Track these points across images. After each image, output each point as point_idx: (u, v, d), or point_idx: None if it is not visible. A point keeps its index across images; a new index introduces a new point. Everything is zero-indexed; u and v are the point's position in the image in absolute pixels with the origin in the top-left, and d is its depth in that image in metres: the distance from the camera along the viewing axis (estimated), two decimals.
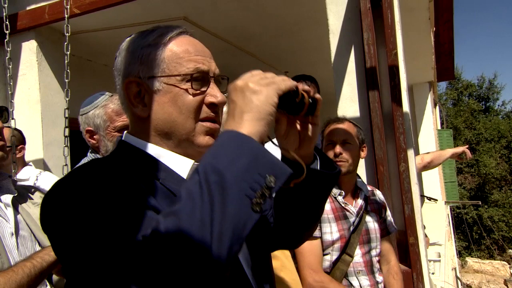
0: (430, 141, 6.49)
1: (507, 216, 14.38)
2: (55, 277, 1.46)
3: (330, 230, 1.71)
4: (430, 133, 6.52)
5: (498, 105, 18.07)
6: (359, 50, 2.17)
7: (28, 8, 2.90)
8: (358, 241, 1.74)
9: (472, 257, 12.56)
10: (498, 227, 14.13)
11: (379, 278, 1.77)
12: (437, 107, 8.65)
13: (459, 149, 3.25)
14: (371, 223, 1.81)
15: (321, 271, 1.65)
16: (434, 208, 6.12)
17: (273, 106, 0.72)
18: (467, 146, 3.36)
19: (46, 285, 1.41)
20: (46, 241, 1.41)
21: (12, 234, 1.36)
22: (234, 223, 0.60)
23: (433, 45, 4.84)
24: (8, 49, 2.34)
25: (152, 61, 0.82)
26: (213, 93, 0.83)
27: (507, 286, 9.90)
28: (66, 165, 2.17)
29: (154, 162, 0.81)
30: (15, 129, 2.19)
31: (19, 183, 1.71)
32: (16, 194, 1.45)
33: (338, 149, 1.76)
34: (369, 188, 1.92)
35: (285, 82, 0.75)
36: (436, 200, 6.19)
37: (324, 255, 1.70)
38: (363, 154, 1.86)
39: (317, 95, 0.86)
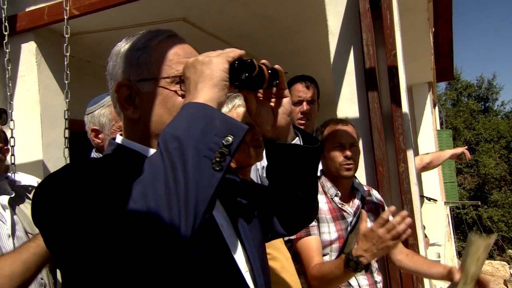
0: (430, 141, 6.48)
1: (506, 217, 14.38)
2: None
3: (328, 230, 1.72)
4: (430, 133, 6.52)
5: (498, 106, 18.11)
6: (358, 50, 2.17)
7: (27, 10, 2.89)
8: (356, 241, 1.74)
9: None
10: (497, 227, 14.13)
11: (378, 277, 1.78)
12: (437, 107, 8.65)
13: (459, 149, 3.25)
14: (369, 223, 1.82)
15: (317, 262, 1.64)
16: (433, 209, 6.11)
17: (224, 72, 0.75)
18: (466, 147, 3.36)
19: (42, 278, 1.40)
20: None
21: (9, 236, 1.36)
22: (197, 183, 0.63)
23: (432, 46, 4.84)
24: (7, 50, 2.33)
25: (142, 64, 0.84)
26: None
27: (506, 286, 9.90)
28: None
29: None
30: None
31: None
32: (13, 195, 1.44)
33: (349, 152, 1.77)
34: (365, 188, 1.92)
35: (233, 52, 0.79)
36: (436, 200, 6.19)
37: (323, 255, 1.71)
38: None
39: (276, 66, 0.89)
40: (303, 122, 2.24)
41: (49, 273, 1.44)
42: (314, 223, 1.71)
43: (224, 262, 0.83)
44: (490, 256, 13.36)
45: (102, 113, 1.60)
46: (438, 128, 8.59)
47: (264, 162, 1.89)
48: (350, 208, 1.80)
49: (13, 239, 1.37)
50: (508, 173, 15.51)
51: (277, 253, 1.39)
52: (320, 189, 1.83)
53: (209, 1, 2.91)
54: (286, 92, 0.92)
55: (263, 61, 0.87)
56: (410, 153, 2.06)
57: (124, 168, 0.77)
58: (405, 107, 2.08)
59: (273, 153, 0.95)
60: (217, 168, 0.65)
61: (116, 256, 0.63)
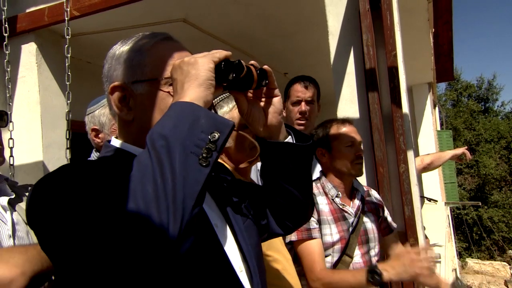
0: (430, 142, 6.48)
1: (507, 217, 14.36)
2: None
3: (330, 232, 1.72)
4: (430, 134, 6.51)
5: (498, 106, 18.07)
6: (358, 51, 2.17)
7: (27, 11, 2.89)
8: (357, 242, 1.74)
9: (472, 258, 12.55)
10: (498, 227, 14.11)
11: None
12: (437, 108, 8.65)
13: (459, 150, 3.25)
14: (369, 223, 1.82)
15: (323, 268, 1.65)
16: (434, 209, 6.11)
17: (210, 71, 0.77)
18: (466, 147, 3.36)
19: None
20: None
21: (10, 236, 1.36)
22: (185, 179, 0.64)
23: (432, 46, 4.84)
24: (7, 52, 2.34)
25: (136, 66, 0.85)
26: None
27: (507, 287, 9.89)
28: None
29: None
30: None
31: None
32: (13, 196, 1.44)
33: (361, 151, 1.82)
34: (364, 188, 1.92)
35: (219, 52, 0.81)
36: (436, 201, 6.19)
37: (325, 256, 1.70)
38: None
39: (265, 66, 0.90)
40: (302, 122, 2.23)
41: None
42: (315, 226, 1.71)
43: (217, 262, 0.83)
44: (491, 257, 13.35)
45: (102, 113, 1.61)
46: (438, 128, 8.59)
47: None
48: (351, 208, 1.80)
49: (13, 239, 1.37)
50: (508, 173, 15.49)
51: (278, 255, 1.39)
52: (321, 190, 1.83)
53: (209, 2, 2.91)
54: (277, 91, 0.94)
55: (252, 62, 0.89)
56: (410, 154, 2.06)
57: (117, 169, 0.77)
58: (405, 108, 2.08)
59: (266, 152, 0.96)
60: (204, 164, 0.67)
61: (107, 254, 0.63)
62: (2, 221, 1.37)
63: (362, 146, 1.87)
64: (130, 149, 0.85)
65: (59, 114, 2.86)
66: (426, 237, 2.87)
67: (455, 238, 9.12)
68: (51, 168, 2.85)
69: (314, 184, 1.85)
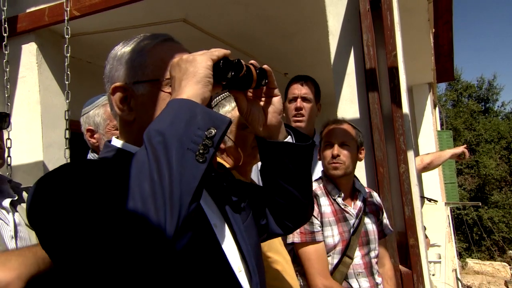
0: (430, 142, 6.48)
1: (507, 217, 14.36)
2: None
3: (332, 234, 1.71)
4: (430, 134, 6.51)
5: (498, 106, 18.09)
6: (358, 51, 2.17)
7: (28, 11, 2.90)
8: (358, 243, 1.74)
9: (472, 258, 12.55)
10: (498, 228, 14.11)
11: (379, 279, 1.77)
12: (437, 108, 8.64)
13: (458, 149, 3.25)
14: (370, 224, 1.82)
15: (329, 276, 1.65)
16: (434, 209, 6.11)
17: (208, 69, 0.77)
18: (465, 146, 3.36)
19: None
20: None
21: (12, 237, 1.36)
22: (181, 174, 0.64)
23: (432, 46, 4.84)
24: (6, 52, 2.34)
25: (137, 66, 0.85)
26: None
27: (507, 287, 9.89)
28: None
29: None
30: None
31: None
32: (16, 198, 1.45)
33: (336, 150, 1.75)
34: (366, 190, 1.92)
35: (218, 51, 0.81)
36: (436, 201, 6.18)
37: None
38: (361, 156, 1.85)
39: (264, 66, 0.91)
40: (298, 119, 2.22)
41: None
42: (319, 229, 1.70)
43: (215, 262, 0.83)
44: (491, 257, 13.35)
45: (97, 113, 1.62)
46: (439, 128, 8.58)
47: None
48: (353, 209, 1.80)
49: (16, 240, 1.37)
50: (508, 173, 15.49)
51: (278, 256, 1.39)
52: (323, 190, 1.82)
53: (210, 2, 2.91)
54: (276, 91, 0.94)
55: (251, 61, 0.89)
56: (410, 154, 2.06)
57: (118, 169, 0.77)
58: (405, 108, 2.08)
59: (266, 152, 0.97)
60: (201, 160, 0.67)
61: (106, 250, 0.63)
62: (5, 222, 1.37)
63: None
64: (130, 149, 0.85)
65: (59, 114, 2.86)
66: (426, 237, 2.87)
67: (455, 239, 9.12)
68: (51, 168, 2.85)
69: (317, 184, 1.85)
